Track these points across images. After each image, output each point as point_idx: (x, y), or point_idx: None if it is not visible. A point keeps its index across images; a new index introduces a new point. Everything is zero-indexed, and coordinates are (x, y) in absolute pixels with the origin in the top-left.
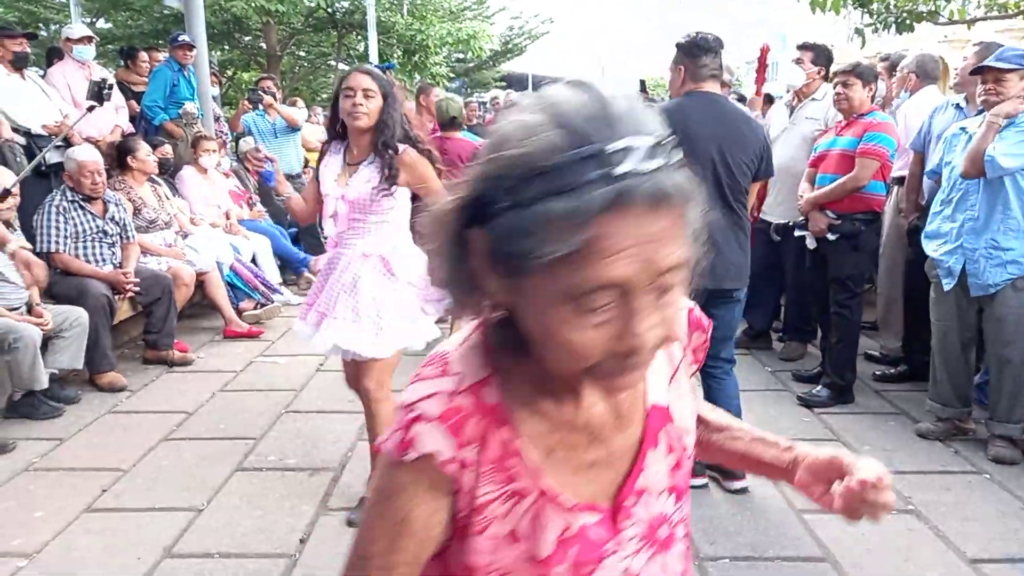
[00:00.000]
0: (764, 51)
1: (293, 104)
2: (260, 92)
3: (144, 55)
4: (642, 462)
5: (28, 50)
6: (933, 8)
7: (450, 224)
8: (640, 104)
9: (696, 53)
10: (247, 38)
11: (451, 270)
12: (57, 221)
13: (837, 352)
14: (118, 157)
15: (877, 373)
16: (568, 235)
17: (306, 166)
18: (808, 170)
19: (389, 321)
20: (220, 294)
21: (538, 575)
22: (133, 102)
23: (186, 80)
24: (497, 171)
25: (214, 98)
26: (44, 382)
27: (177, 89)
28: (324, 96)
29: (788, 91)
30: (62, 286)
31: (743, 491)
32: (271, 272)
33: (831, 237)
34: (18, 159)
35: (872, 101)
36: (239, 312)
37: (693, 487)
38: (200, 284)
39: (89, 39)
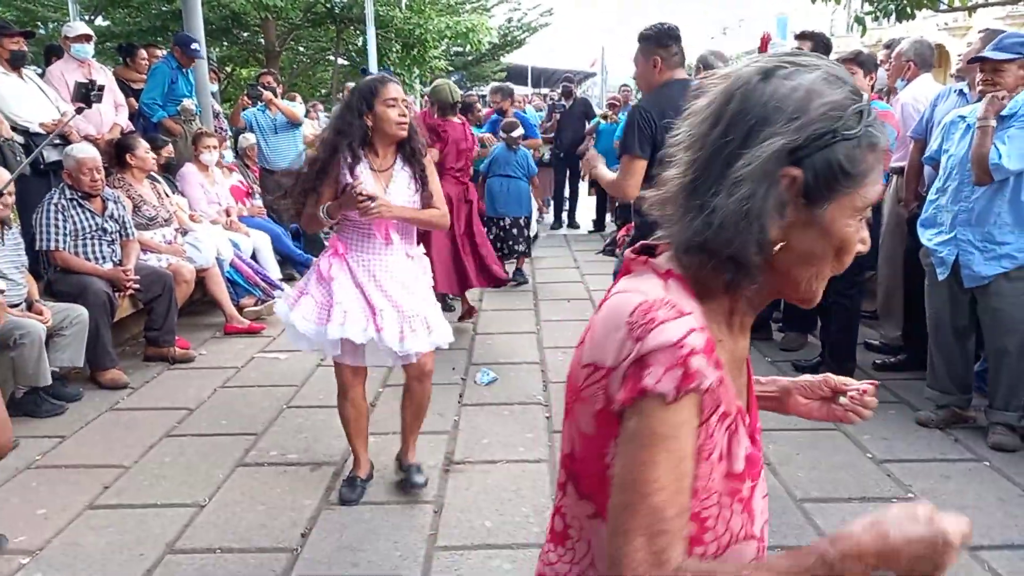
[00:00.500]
0: (765, 40)
1: (291, 100)
2: (260, 87)
3: (143, 52)
4: (753, 398)
5: (26, 49)
6: None
7: (768, 166)
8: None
9: (667, 43)
10: (245, 34)
11: (759, 213)
12: (56, 219)
13: (837, 341)
14: (117, 155)
15: (877, 362)
16: (875, 160)
17: None
18: None
19: (434, 316)
20: (221, 290)
21: (733, 490)
22: (133, 99)
23: (184, 77)
24: (824, 116)
25: (213, 94)
26: (48, 378)
27: (176, 87)
28: (323, 91)
29: None
30: (62, 284)
31: None
32: (272, 268)
33: None
34: (18, 158)
35: (872, 90)
36: (240, 308)
37: None
38: (201, 281)
39: (88, 37)
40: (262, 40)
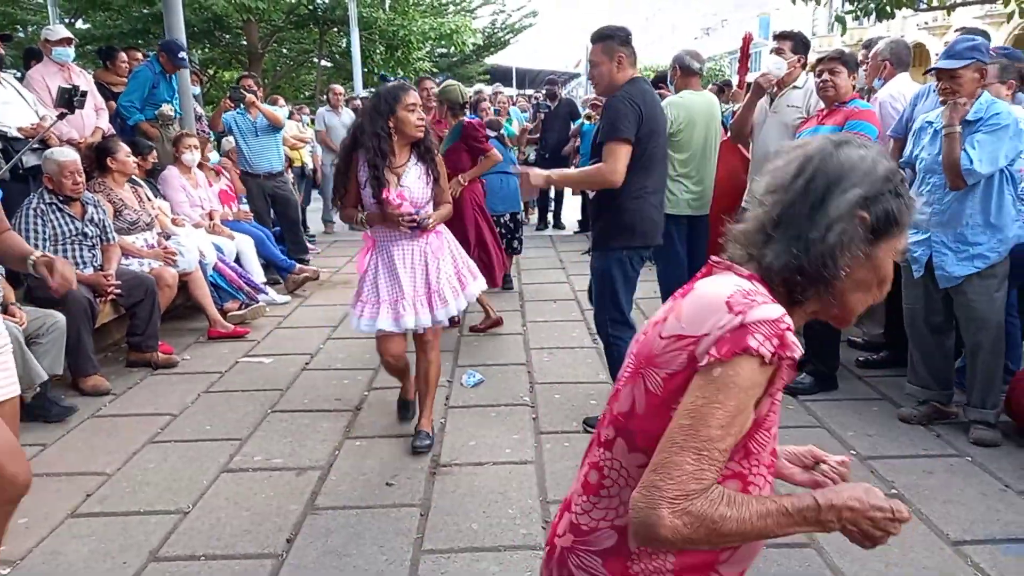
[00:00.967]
0: (747, 40)
1: (274, 103)
2: (242, 91)
3: (123, 55)
4: None
5: (3, 52)
6: None
7: (853, 209)
8: None
9: (628, 41)
10: (228, 36)
11: (845, 241)
12: (35, 224)
13: (820, 340)
14: (97, 159)
15: (860, 359)
16: (908, 214)
17: (290, 165)
18: None
19: (439, 295)
20: (204, 294)
21: (767, 439)
22: (113, 103)
23: (167, 83)
24: (887, 178)
25: (195, 97)
26: (42, 374)
27: (156, 91)
28: (307, 93)
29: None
30: (42, 289)
31: None
32: (256, 272)
33: None
34: None
35: (854, 89)
36: (224, 313)
37: None
38: (183, 285)
39: (68, 41)
40: (245, 42)
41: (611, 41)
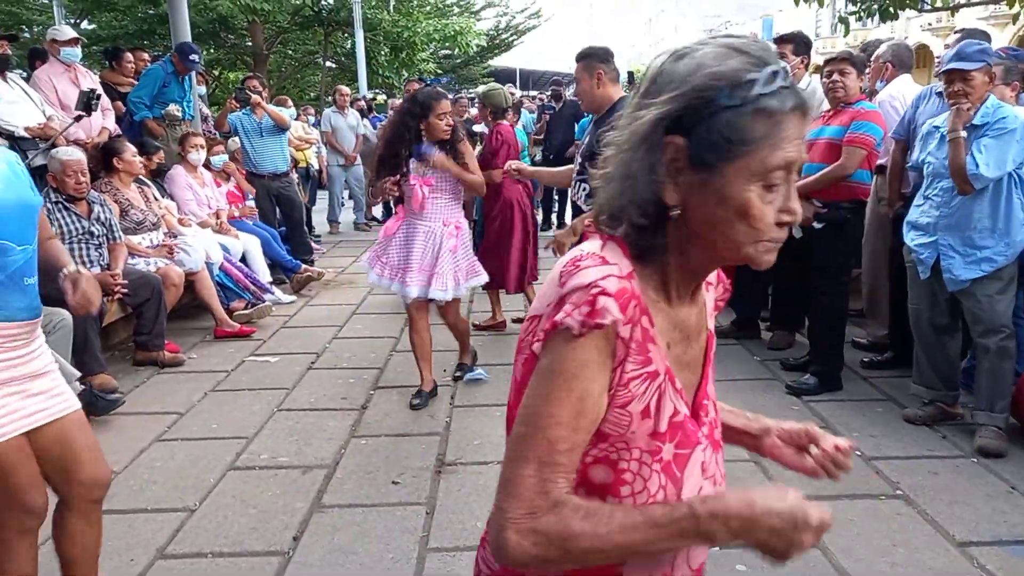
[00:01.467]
0: None
1: (282, 104)
2: (247, 91)
3: (129, 56)
4: (707, 370)
5: (10, 52)
6: None
7: (650, 136)
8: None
9: (608, 58)
10: (233, 37)
11: (641, 178)
12: None
13: (824, 340)
14: (104, 159)
15: (865, 360)
16: (767, 126)
17: (295, 166)
18: None
19: (461, 272)
20: (210, 294)
21: (654, 449)
22: (119, 103)
23: (178, 83)
24: (703, 87)
25: (200, 97)
26: (76, 373)
27: (167, 90)
28: (312, 95)
29: None
30: (48, 288)
31: None
32: (261, 271)
33: (817, 226)
34: None
35: (861, 91)
36: (230, 312)
37: None
38: (190, 284)
39: (76, 41)
40: (250, 43)
41: (591, 59)
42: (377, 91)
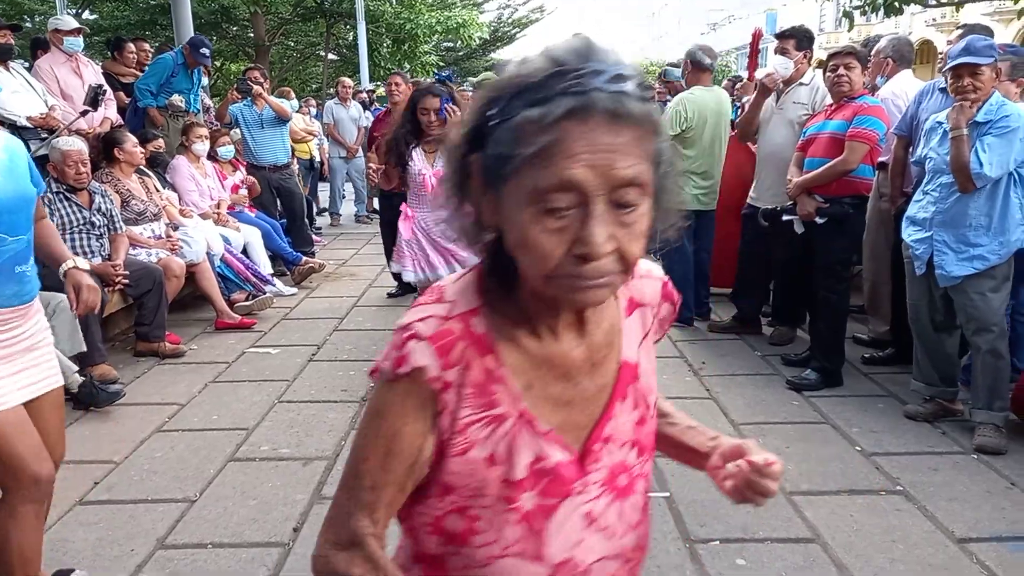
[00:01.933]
0: (756, 36)
1: (284, 95)
2: (249, 82)
3: (131, 46)
4: (611, 410)
5: (12, 42)
6: None
7: (457, 152)
8: (617, 54)
9: None
10: (235, 28)
11: (456, 197)
12: None
13: (825, 336)
14: (105, 149)
15: (866, 356)
16: (535, 137)
17: (295, 156)
18: (796, 154)
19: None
20: (211, 285)
21: (508, 497)
22: (121, 93)
23: (186, 75)
24: (493, 96)
25: (203, 88)
26: (73, 367)
27: (174, 80)
28: (314, 86)
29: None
30: (51, 278)
31: None
32: (263, 263)
33: (819, 221)
34: None
35: (864, 86)
36: (231, 303)
37: None
38: (191, 275)
39: (79, 31)
40: (251, 34)
41: None
42: (379, 83)
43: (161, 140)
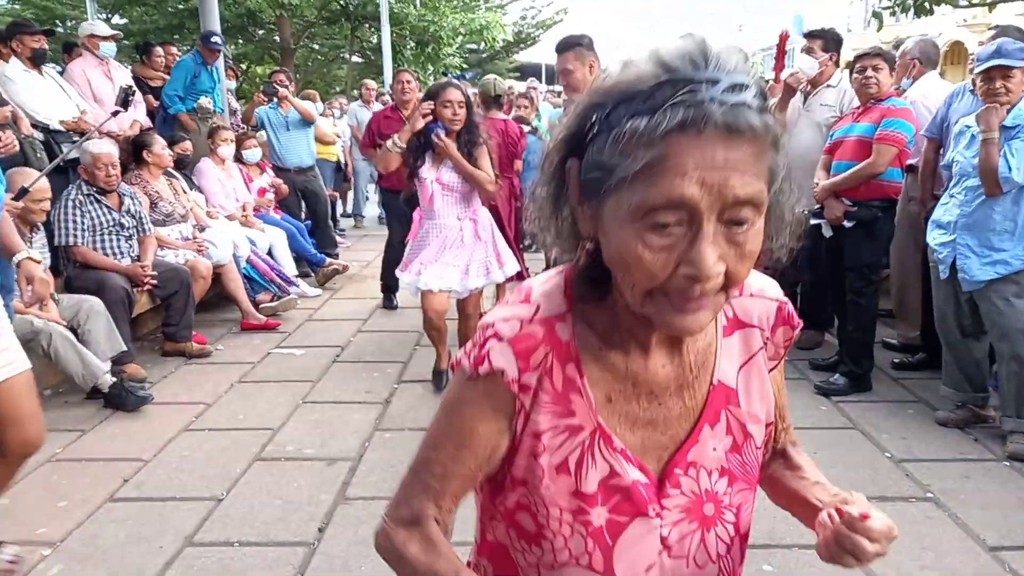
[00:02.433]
0: (783, 37)
1: (308, 98)
2: (275, 85)
3: (159, 50)
4: (698, 434)
5: (46, 47)
6: None
7: (554, 157)
8: (739, 54)
9: (593, 47)
10: (261, 31)
11: (552, 203)
12: (74, 215)
13: (853, 340)
14: (134, 152)
15: (896, 361)
16: (643, 151)
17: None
18: (823, 157)
19: (477, 266)
20: (237, 286)
21: (579, 509)
22: (150, 96)
23: (208, 73)
24: (597, 101)
25: (230, 91)
26: (103, 368)
27: (198, 80)
28: (338, 88)
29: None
30: (81, 280)
31: None
32: (287, 265)
33: (847, 224)
34: (38, 155)
35: (891, 87)
36: (256, 304)
37: None
38: (217, 276)
39: (113, 37)
40: (277, 38)
41: (580, 48)
42: (378, 82)
43: (189, 143)
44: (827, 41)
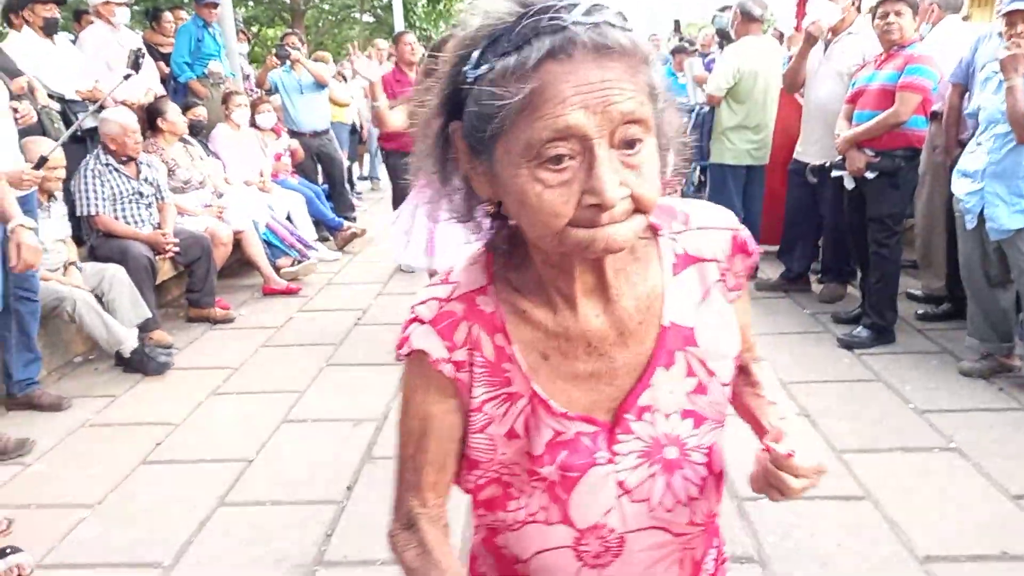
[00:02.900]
0: None
1: (320, 60)
2: (287, 48)
3: (168, 15)
4: (648, 378)
5: (58, 16)
6: None
7: (433, 125)
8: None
9: None
10: None
11: (442, 174)
12: (94, 184)
13: (877, 292)
14: (149, 119)
15: (920, 312)
16: (518, 86)
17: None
18: (845, 107)
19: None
20: (257, 252)
21: (531, 470)
22: (161, 63)
23: (211, 36)
24: (462, 52)
25: (242, 55)
26: (128, 337)
27: (202, 45)
28: (350, 48)
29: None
30: (104, 249)
31: None
32: (306, 229)
33: (869, 176)
34: (56, 125)
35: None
36: (276, 269)
37: None
38: (237, 243)
39: (128, 3)
40: None
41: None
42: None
43: (203, 108)
44: None
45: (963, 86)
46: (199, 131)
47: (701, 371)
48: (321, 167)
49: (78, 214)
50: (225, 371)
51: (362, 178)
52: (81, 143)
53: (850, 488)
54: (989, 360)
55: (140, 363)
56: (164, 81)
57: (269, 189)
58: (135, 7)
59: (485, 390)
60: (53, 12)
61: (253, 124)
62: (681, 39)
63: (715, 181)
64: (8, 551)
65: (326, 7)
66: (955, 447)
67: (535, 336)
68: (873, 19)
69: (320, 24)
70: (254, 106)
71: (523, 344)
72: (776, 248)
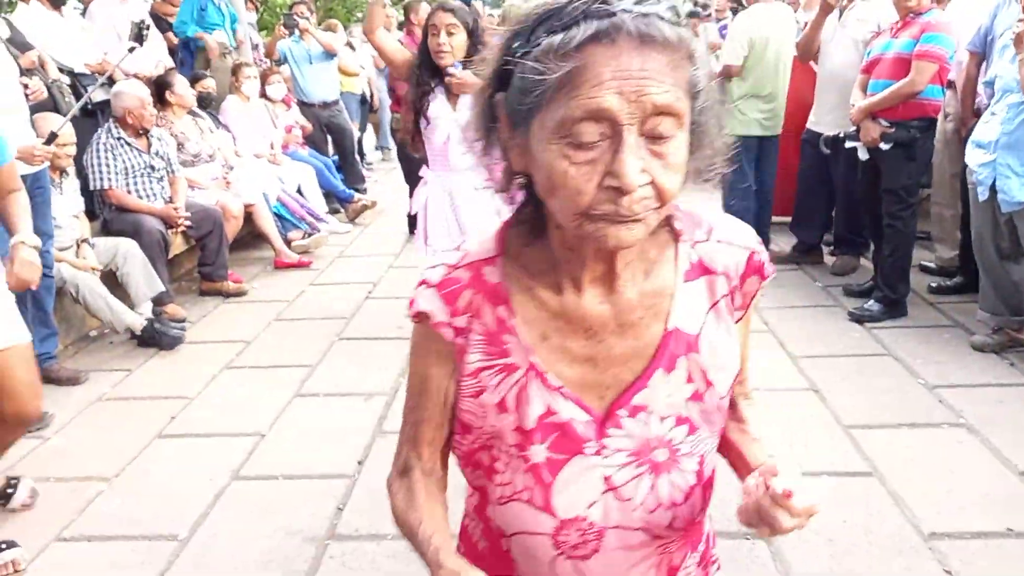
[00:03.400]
0: None
1: (330, 29)
2: (295, 17)
3: None
4: (647, 379)
5: None
6: None
7: (483, 95)
8: None
9: None
10: None
11: (484, 143)
12: (106, 158)
13: (890, 265)
14: (157, 92)
15: (932, 285)
16: (560, 64)
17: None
18: (860, 76)
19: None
20: (268, 225)
21: (520, 444)
22: (171, 34)
23: (215, 7)
24: (516, 29)
25: (250, 24)
26: (134, 317)
27: (206, 14)
28: (359, 16)
29: None
30: (117, 223)
31: None
32: (317, 202)
33: (884, 147)
34: (67, 99)
35: None
36: (287, 242)
37: None
38: (248, 216)
39: None
40: None
41: None
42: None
43: (212, 80)
44: None
45: (980, 54)
46: (208, 103)
47: (700, 381)
48: (331, 138)
49: (91, 188)
50: (238, 345)
51: (376, 147)
52: (92, 117)
53: (856, 464)
54: (1001, 334)
55: (154, 337)
56: (172, 52)
57: (279, 162)
58: None
59: (480, 358)
60: None
61: (263, 95)
62: (696, 3)
63: None
64: (3, 546)
65: None
66: (964, 422)
67: (538, 314)
68: None
69: None
70: (264, 77)
71: (525, 319)
72: (788, 219)
